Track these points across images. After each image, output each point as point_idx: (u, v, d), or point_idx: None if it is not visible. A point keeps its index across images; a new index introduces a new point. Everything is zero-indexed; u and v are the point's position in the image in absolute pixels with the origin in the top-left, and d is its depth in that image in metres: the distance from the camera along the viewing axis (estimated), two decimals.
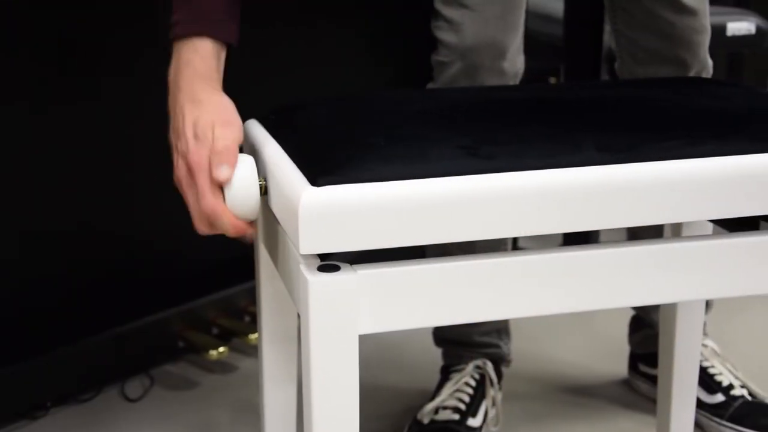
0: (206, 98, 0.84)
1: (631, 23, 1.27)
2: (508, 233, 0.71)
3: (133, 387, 1.52)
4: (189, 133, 0.82)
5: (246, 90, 1.55)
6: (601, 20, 1.78)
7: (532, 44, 2.29)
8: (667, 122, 0.80)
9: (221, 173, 0.80)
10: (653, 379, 1.42)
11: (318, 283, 0.70)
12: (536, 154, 0.73)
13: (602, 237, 2.09)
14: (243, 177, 0.80)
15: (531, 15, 2.16)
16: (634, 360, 1.50)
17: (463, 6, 1.20)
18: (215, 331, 1.60)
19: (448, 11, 1.21)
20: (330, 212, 0.69)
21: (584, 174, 0.72)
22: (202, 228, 0.84)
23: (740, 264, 0.78)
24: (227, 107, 0.85)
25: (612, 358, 1.59)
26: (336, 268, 0.71)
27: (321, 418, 0.72)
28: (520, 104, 0.87)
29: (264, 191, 0.83)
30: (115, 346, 1.50)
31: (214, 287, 1.63)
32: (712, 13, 2.01)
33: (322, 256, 0.75)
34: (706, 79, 1.00)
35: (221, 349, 1.52)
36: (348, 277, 0.70)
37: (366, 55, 1.79)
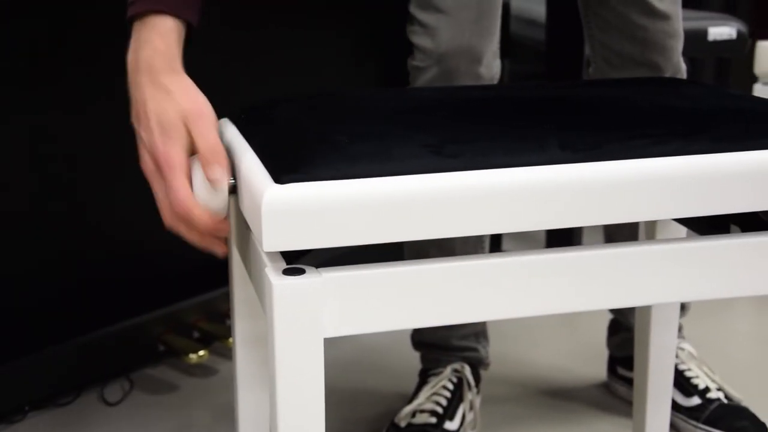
0: (170, 83, 0.81)
1: (604, 28, 1.28)
2: (470, 231, 0.72)
3: (113, 390, 1.52)
4: (154, 124, 0.80)
5: (230, 90, 1.55)
6: (582, 24, 1.79)
7: (515, 48, 2.31)
8: (633, 121, 0.80)
9: (215, 173, 0.78)
10: (631, 382, 1.42)
11: (282, 286, 0.70)
12: (500, 153, 0.73)
13: (586, 239, 2.10)
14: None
15: (514, 19, 2.17)
16: (613, 363, 1.51)
17: (439, 11, 1.20)
18: (196, 334, 1.60)
19: (423, 16, 1.21)
20: (292, 210, 0.69)
21: (545, 173, 0.73)
22: (171, 223, 0.82)
23: (712, 267, 0.78)
24: (194, 95, 0.82)
25: (591, 361, 1.60)
26: (301, 272, 0.71)
27: (286, 421, 0.72)
28: (489, 103, 0.87)
29: (233, 190, 0.83)
30: (95, 350, 1.50)
31: (194, 291, 1.63)
32: (694, 18, 2.03)
33: (293, 259, 0.76)
34: (674, 80, 1.01)
35: (201, 352, 1.52)
36: (313, 280, 0.70)
37: (350, 57, 1.79)
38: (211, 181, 0.79)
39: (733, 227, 0.94)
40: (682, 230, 1.11)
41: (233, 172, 0.83)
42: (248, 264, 0.88)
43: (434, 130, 0.78)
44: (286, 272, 0.71)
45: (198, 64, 1.52)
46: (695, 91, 0.91)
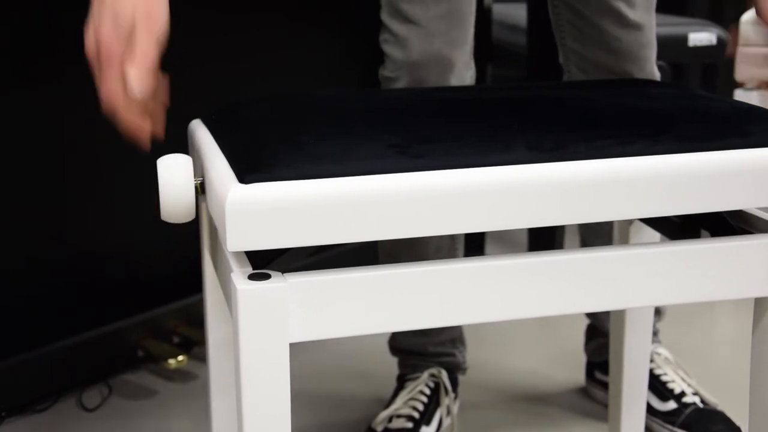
0: None
1: (578, 38, 1.28)
2: (433, 231, 0.72)
3: (91, 396, 1.51)
4: (109, 11, 0.80)
5: (216, 92, 1.56)
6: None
7: (497, 53, 2.31)
8: (600, 122, 0.81)
9: (132, 73, 0.79)
10: (608, 386, 1.43)
11: (247, 291, 0.70)
12: (465, 153, 0.73)
13: (568, 243, 2.10)
14: (177, 176, 0.80)
15: (497, 24, 2.18)
16: (591, 368, 1.51)
17: (409, 21, 1.20)
18: (176, 340, 1.60)
19: (394, 25, 1.21)
20: (255, 210, 0.69)
21: (510, 172, 0.73)
22: (104, 107, 0.83)
23: (681, 271, 0.79)
24: None
25: (569, 366, 1.60)
26: (267, 277, 0.71)
27: (252, 427, 0.72)
28: (457, 104, 0.88)
29: (202, 191, 0.83)
30: (73, 355, 1.49)
31: (174, 296, 1.63)
32: (674, 24, 2.04)
33: (264, 264, 0.76)
34: (644, 81, 1.01)
35: (180, 357, 1.52)
36: (278, 285, 0.70)
37: (334, 61, 1.79)
38: (126, 79, 0.80)
39: (703, 232, 0.94)
40: (656, 236, 1.12)
41: (201, 172, 0.83)
42: (218, 269, 0.88)
43: (400, 130, 0.78)
44: (252, 277, 0.71)
45: (186, 64, 1.52)
46: (664, 92, 0.92)
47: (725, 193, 0.77)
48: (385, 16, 1.23)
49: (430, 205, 0.71)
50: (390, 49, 1.22)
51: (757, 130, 0.81)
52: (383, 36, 1.24)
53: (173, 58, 1.54)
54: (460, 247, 1.36)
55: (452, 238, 1.34)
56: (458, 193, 0.72)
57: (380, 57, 1.25)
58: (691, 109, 0.85)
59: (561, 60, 1.36)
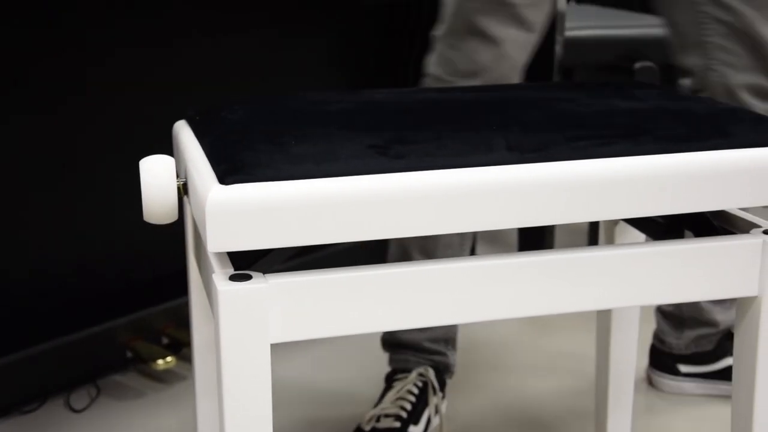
0: None
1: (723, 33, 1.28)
2: (415, 232, 0.72)
3: (79, 397, 1.51)
4: None
5: (207, 94, 1.56)
6: (552, 31, 1.80)
7: None
8: (582, 123, 0.81)
9: None
10: (697, 376, 1.50)
11: (228, 292, 0.70)
12: (445, 154, 0.73)
13: (558, 242, 2.10)
14: (159, 177, 0.80)
15: None
16: (673, 361, 1.52)
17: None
18: (165, 341, 1.60)
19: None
20: (235, 210, 0.69)
21: (491, 173, 0.73)
22: None
23: (665, 271, 0.79)
24: None
25: (557, 368, 1.60)
26: (248, 278, 0.71)
27: (233, 426, 0.72)
28: (440, 105, 0.88)
29: (185, 192, 0.83)
30: (61, 356, 1.49)
31: (163, 297, 1.63)
32: (663, 25, 2.03)
33: (248, 265, 0.76)
34: (628, 82, 1.01)
35: (168, 358, 1.52)
36: (258, 286, 0.70)
37: (327, 65, 1.79)
38: None
39: (687, 233, 0.94)
40: (641, 237, 1.12)
41: (184, 173, 0.83)
42: (201, 270, 0.88)
43: (382, 131, 0.78)
44: (233, 278, 0.71)
45: (176, 64, 1.52)
46: (646, 93, 0.92)
47: (706, 193, 0.77)
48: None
49: (409, 205, 0.71)
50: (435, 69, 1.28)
51: (738, 130, 0.81)
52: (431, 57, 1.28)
53: (163, 59, 1.54)
54: (468, 245, 1.37)
55: (461, 236, 1.35)
56: (438, 194, 0.72)
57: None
58: (673, 110, 0.85)
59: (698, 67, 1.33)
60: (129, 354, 1.56)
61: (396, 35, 1.90)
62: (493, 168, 0.73)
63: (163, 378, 1.58)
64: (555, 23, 1.80)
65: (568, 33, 1.93)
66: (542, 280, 0.76)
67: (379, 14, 1.85)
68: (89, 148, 1.48)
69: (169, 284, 1.63)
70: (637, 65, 1.95)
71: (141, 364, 1.58)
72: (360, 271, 0.72)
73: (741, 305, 0.84)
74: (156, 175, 0.80)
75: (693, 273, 0.80)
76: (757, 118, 0.84)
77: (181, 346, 1.58)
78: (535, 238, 2.01)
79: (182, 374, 1.60)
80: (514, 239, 2.21)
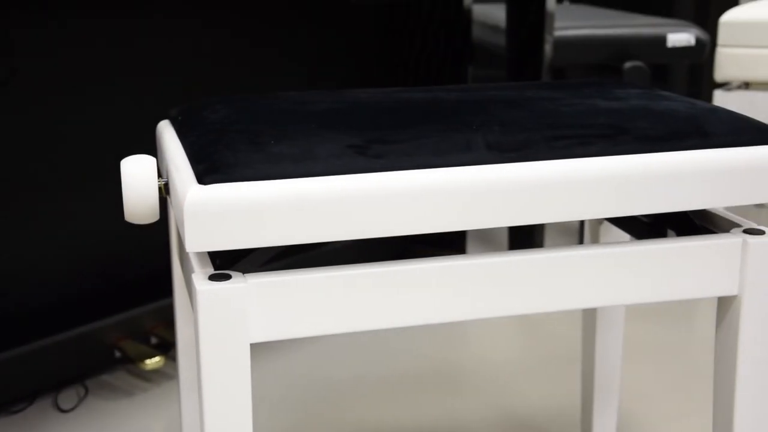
0: None
1: None
2: (393, 232, 0.72)
3: (67, 397, 1.51)
4: None
5: (194, 93, 1.56)
6: (542, 30, 1.80)
7: (478, 53, 2.31)
8: (561, 122, 0.81)
9: None
10: None
11: (207, 291, 0.70)
12: (426, 153, 0.74)
13: (548, 240, 2.10)
14: (140, 177, 0.80)
15: (477, 25, 2.18)
16: None
17: None
18: (153, 340, 1.60)
19: None
20: (213, 210, 0.69)
21: (469, 173, 0.73)
22: None
23: (646, 270, 0.79)
24: None
25: (547, 366, 1.61)
26: (227, 277, 0.71)
27: (213, 426, 0.72)
28: (420, 105, 0.88)
29: (167, 191, 0.83)
30: (49, 356, 1.49)
31: (152, 296, 1.63)
32: (653, 25, 2.04)
33: (229, 264, 0.76)
34: (608, 82, 1.01)
35: (157, 358, 1.52)
36: (237, 285, 0.70)
37: (327, 65, 1.79)
38: None
39: (669, 232, 0.95)
40: (626, 237, 1.12)
41: (166, 173, 0.83)
42: (183, 269, 0.88)
43: (362, 130, 0.78)
44: (213, 278, 0.72)
45: (163, 64, 1.52)
46: (627, 93, 0.92)
47: (685, 193, 0.78)
48: None
49: (386, 205, 0.72)
50: None
51: (717, 130, 0.81)
52: None
53: (149, 59, 1.54)
54: None
55: None
56: (416, 193, 0.72)
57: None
58: (653, 110, 0.85)
59: None
60: (117, 354, 1.56)
61: (396, 35, 1.90)
62: (471, 168, 0.73)
63: (152, 378, 1.58)
64: (544, 23, 1.81)
65: (557, 33, 1.93)
66: (523, 279, 0.76)
67: (379, 14, 1.85)
68: (75, 148, 1.48)
69: (157, 284, 1.63)
70: (627, 65, 1.95)
71: (129, 364, 1.58)
72: (340, 271, 0.72)
73: (721, 304, 0.84)
74: (136, 175, 0.80)
75: (674, 272, 0.80)
76: (737, 118, 0.84)
77: (169, 346, 1.58)
78: (525, 237, 2.01)
79: (171, 374, 1.60)
80: (505, 238, 2.21)
